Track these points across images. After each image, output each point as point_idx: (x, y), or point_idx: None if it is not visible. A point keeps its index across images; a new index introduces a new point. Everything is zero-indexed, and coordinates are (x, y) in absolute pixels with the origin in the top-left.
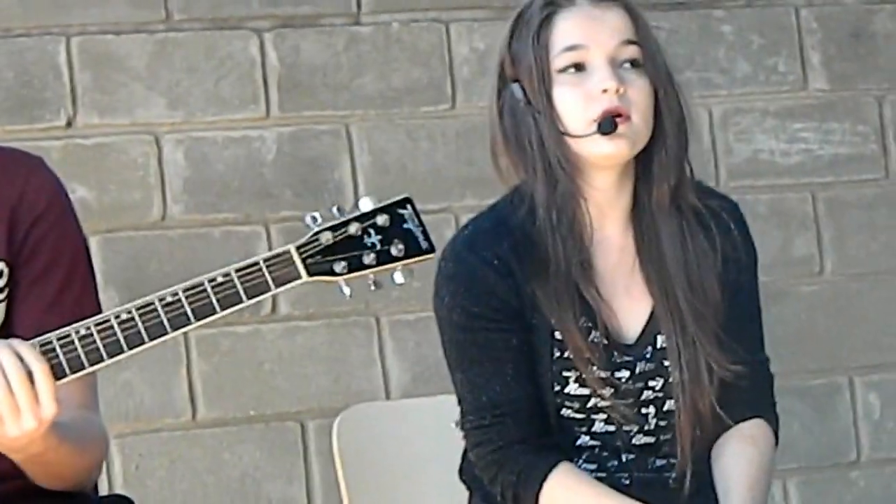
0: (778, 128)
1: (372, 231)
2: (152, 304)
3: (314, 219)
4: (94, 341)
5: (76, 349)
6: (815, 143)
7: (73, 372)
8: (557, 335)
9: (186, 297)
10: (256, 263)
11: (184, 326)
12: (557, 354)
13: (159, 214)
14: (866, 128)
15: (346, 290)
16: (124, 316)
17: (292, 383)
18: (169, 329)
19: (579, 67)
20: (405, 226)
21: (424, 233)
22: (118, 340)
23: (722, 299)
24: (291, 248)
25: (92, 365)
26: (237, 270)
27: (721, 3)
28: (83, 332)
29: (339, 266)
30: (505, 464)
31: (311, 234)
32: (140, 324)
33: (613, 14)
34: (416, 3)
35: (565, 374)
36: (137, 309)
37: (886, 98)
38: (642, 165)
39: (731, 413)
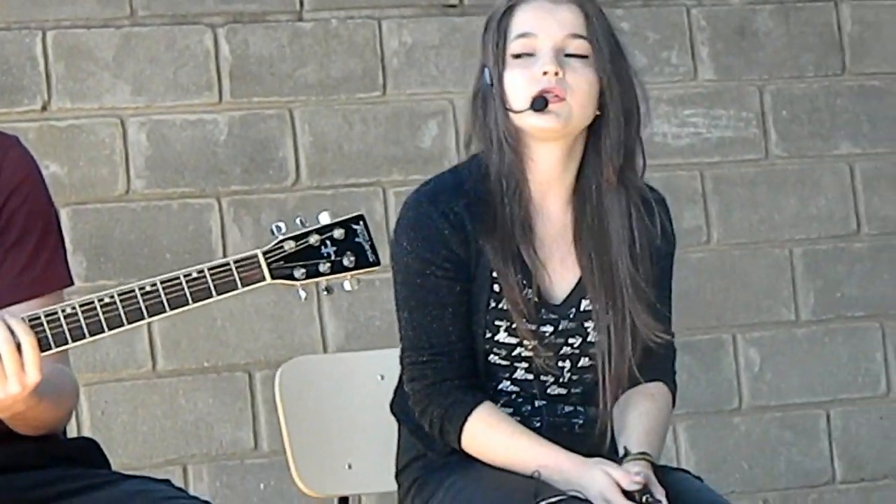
0: (670, 113)
1: (329, 242)
2: (133, 291)
3: (279, 227)
4: (79, 320)
5: (62, 326)
6: (703, 128)
7: (58, 346)
8: (496, 287)
9: (164, 288)
10: (227, 264)
11: (160, 314)
12: (493, 305)
13: (124, 188)
14: (749, 114)
15: (303, 294)
16: (107, 300)
17: (241, 338)
18: (146, 315)
19: (530, 54)
20: (357, 240)
21: (373, 247)
22: (100, 321)
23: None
24: (259, 252)
25: (75, 341)
26: (210, 269)
27: (621, 3)
28: (69, 311)
29: (299, 272)
30: (435, 398)
31: (276, 241)
32: (121, 308)
33: (565, 9)
34: (353, 1)
35: (497, 323)
36: (119, 294)
37: (767, 87)
38: (591, 148)
39: (637, 378)
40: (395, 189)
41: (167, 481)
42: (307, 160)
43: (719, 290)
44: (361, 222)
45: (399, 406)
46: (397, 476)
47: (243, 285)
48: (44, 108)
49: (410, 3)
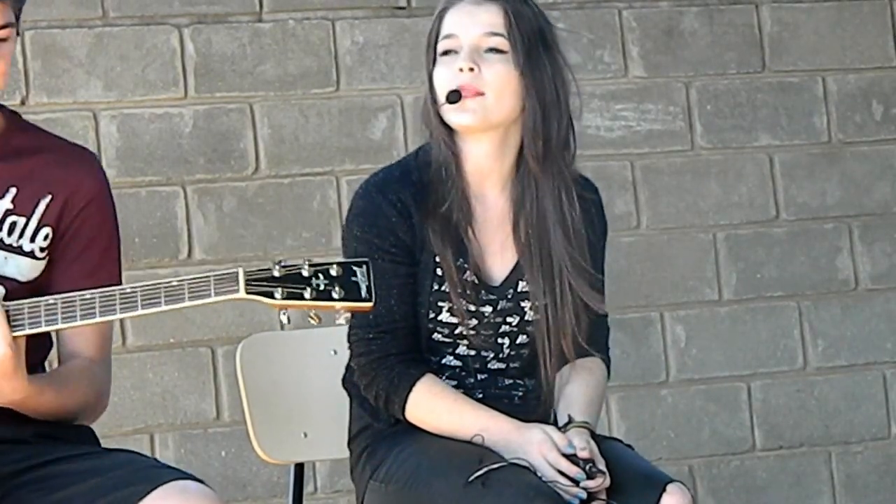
0: (603, 108)
1: (321, 275)
2: (113, 293)
3: (280, 262)
4: (56, 309)
5: (39, 312)
6: (633, 121)
7: (31, 328)
8: (439, 271)
9: (140, 291)
10: (207, 277)
11: (131, 311)
12: (436, 287)
13: None
14: (676, 108)
15: (284, 318)
16: (88, 296)
17: (205, 315)
18: (118, 311)
19: (454, 52)
20: (353, 278)
21: (368, 288)
22: (74, 312)
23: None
24: (241, 270)
25: (47, 326)
26: (190, 279)
27: (558, 5)
28: (51, 301)
29: (278, 292)
30: (380, 371)
31: (267, 266)
32: (97, 304)
33: (486, 10)
34: (309, 3)
35: (440, 304)
36: (100, 293)
37: (692, 84)
38: (523, 137)
39: (576, 352)
40: (348, 178)
41: (146, 456)
42: (266, 151)
43: (648, 271)
44: (365, 266)
45: (349, 381)
46: (349, 444)
47: (216, 294)
48: (22, 103)
49: (362, 5)
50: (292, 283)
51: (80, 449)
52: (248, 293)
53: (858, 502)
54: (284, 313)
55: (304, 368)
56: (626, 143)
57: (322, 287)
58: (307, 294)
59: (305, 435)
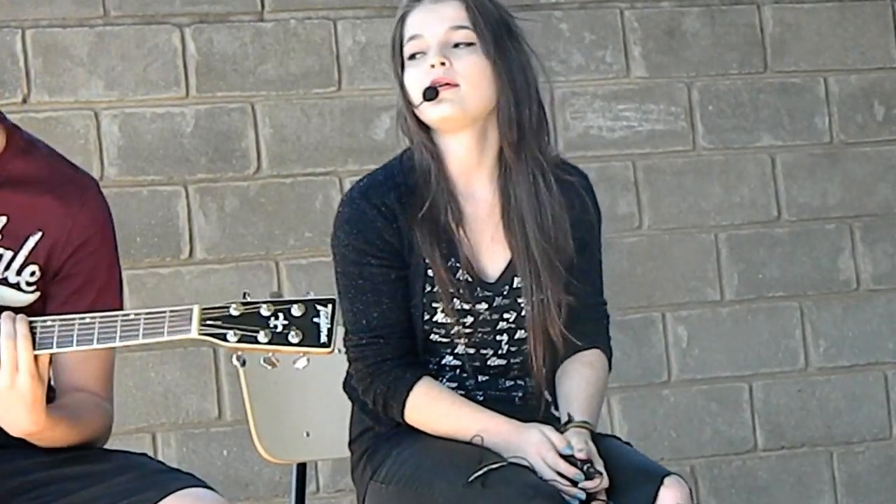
0: (605, 108)
1: (281, 315)
2: (72, 322)
3: (245, 295)
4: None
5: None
6: (635, 121)
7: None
8: (430, 273)
9: (99, 322)
10: (163, 312)
11: (86, 345)
12: (429, 289)
13: (97, 176)
14: (678, 109)
15: (235, 362)
16: (48, 323)
17: None
18: (74, 343)
19: (422, 52)
20: (315, 320)
21: (329, 332)
22: (35, 340)
23: (572, 253)
24: (196, 307)
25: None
26: (147, 313)
27: (560, 6)
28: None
29: (231, 335)
30: (377, 376)
31: (225, 303)
32: (55, 332)
33: (447, 6)
34: (310, 3)
35: (434, 305)
36: (60, 322)
37: (694, 84)
38: (499, 128)
39: (573, 345)
40: (351, 178)
41: (149, 457)
42: (268, 151)
43: (650, 271)
44: (330, 305)
45: (349, 385)
46: (350, 445)
47: (168, 333)
48: (24, 101)
49: (364, 5)
50: (248, 324)
51: (81, 451)
52: (200, 334)
53: (860, 502)
54: (238, 356)
55: (307, 368)
56: (627, 144)
57: (279, 329)
58: (261, 337)
59: (307, 434)
